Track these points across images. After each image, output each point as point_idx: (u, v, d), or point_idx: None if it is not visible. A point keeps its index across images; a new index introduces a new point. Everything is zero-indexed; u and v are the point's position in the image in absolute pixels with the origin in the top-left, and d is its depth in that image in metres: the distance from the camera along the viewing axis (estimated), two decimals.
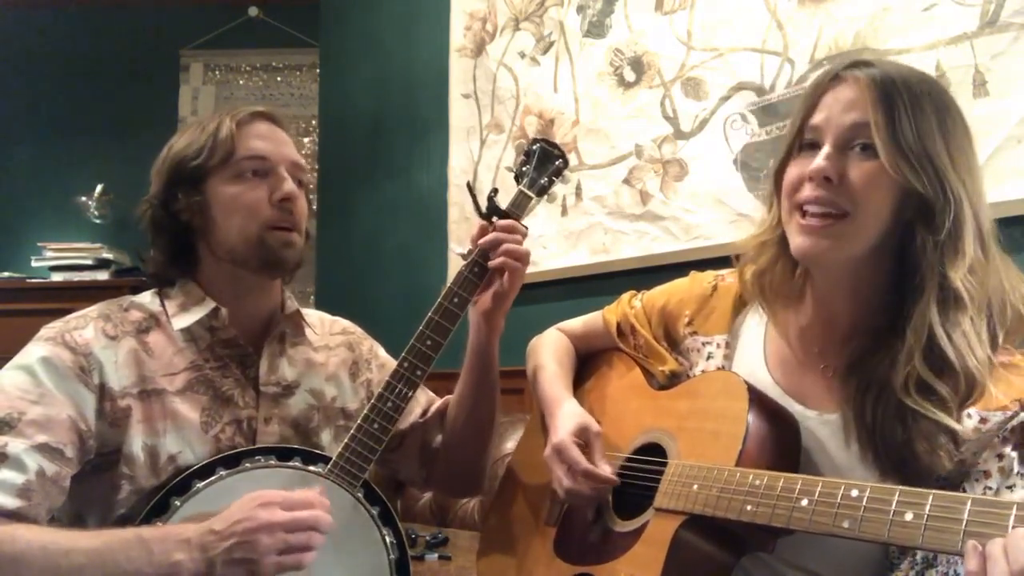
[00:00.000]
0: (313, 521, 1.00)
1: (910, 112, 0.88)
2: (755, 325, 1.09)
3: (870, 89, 0.89)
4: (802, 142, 0.95)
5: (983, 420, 0.85)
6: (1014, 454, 0.83)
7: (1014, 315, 0.90)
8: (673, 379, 1.15)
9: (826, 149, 0.91)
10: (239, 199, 1.15)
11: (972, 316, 0.87)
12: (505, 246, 1.20)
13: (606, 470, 1.08)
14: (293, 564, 0.97)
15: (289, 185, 1.17)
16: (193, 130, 1.20)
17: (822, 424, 0.97)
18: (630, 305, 1.26)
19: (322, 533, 1.00)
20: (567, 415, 1.15)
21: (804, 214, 0.92)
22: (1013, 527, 0.64)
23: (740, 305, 1.12)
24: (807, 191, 0.92)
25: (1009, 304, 0.90)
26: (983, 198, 0.92)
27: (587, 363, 1.33)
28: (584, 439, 1.11)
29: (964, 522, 0.67)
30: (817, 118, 0.93)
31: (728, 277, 1.15)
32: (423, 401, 1.39)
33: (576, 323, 1.36)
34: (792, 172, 0.95)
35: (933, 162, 0.87)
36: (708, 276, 1.19)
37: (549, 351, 1.32)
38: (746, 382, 0.98)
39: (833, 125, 0.91)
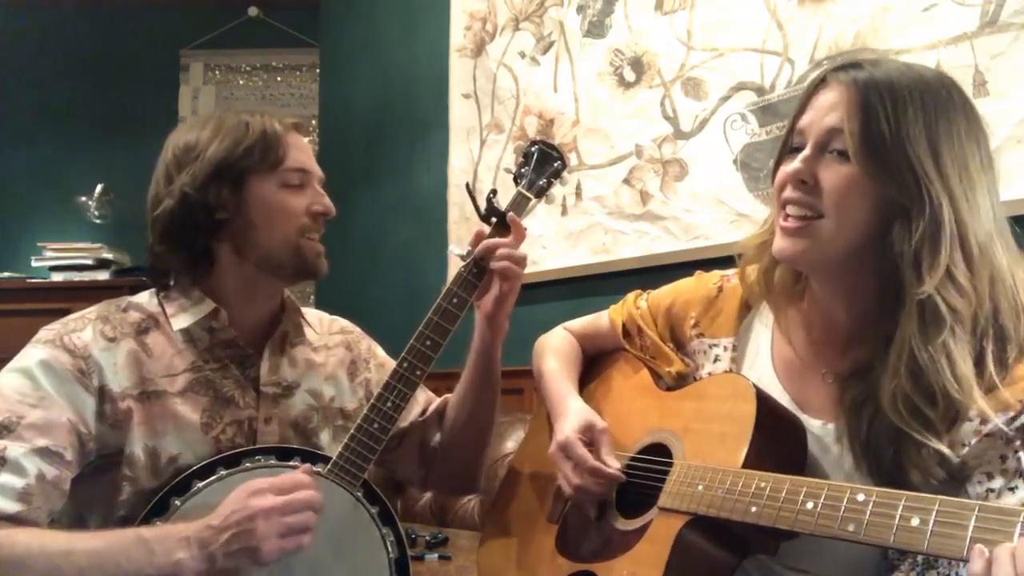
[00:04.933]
0: (308, 501, 1.00)
1: (890, 115, 0.86)
2: (762, 330, 1.09)
3: (850, 93, 0.89)
4: (791, 144, 0.96)
5: (983, 422, 0.84)
6: (1020, 455, 0.82)
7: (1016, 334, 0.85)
8: (680, 380, 1.14)
9: (805, 152, 0.92)
10: (284, 205, 1.17)
11: (954, 330, 0.84)
12: (501, 250, 1.20)
13: (614, 465, 1.07)
14: (294, 546, 0.98)
15: (328, 201, 1.23)
16: (233, 127, 1.16)
17: (826, 433, 0.96)
18: (636, 305, 1.25)
19: (316, 512, 1.01)
20: (573, 413, 1.15)
21: (787, 216, 0.94)
22: (1020, 535, 0.64)
23: (746, 308, 1.11)
24: (787, 192, 0.93)
25: (1012, 322, 0.85)
26: (977, 202, 0.88)
27: (594, 364, 1.33)
28: (590, 436, 1.11)
29: (970, 528, 0.67)
30: (803, 121, 0.94)
31: (733, 278, 1.14)
32: (422, 400, 1.39)
33: (582, 323, 1.36)
34: (780, 173, 0.96)
35: (912, 166, 0.85)
36: (713, 277, 1.18)
37: (555, 350, 1.31)
38: (754, 385, 0.97)
39: (814, 128, 0.92)
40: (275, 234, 1.17)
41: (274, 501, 0.98)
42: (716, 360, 1.11)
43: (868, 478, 0.88)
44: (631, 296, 1.29)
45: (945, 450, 0.82)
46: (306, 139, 1.25)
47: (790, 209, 0.93)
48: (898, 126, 0.86)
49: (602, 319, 1.31)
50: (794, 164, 0.92)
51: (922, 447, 0.83)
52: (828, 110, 0.91)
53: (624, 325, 1.25)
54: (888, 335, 0.89)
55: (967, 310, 0.84)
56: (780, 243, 0.95)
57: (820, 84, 0.94)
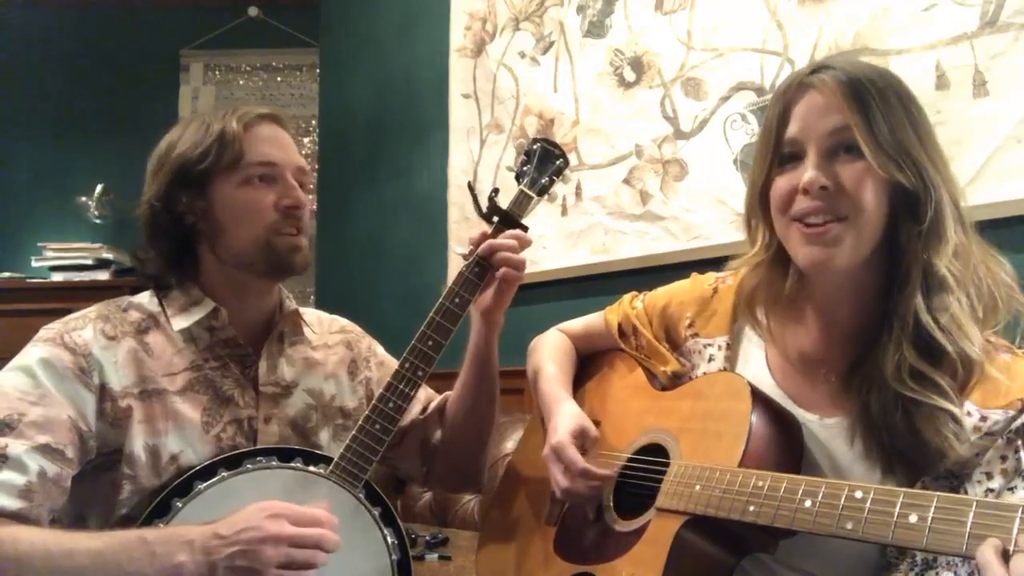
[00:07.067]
0: (319, 539, 0.99)
1: (881, 108, 0.88)
2: (756, 329, 1.09)
3: (841, 90, 0.89)
4: (781, 155, 0.94)
5: (983, 418, 0.85)
6: (1020, 455, 0.83)
7: (990, 298, 0.90)
8: (675, 380, 1.15)
9: (813, 159, 0.90)
10: (248, 205, 1.15)
11: (959, 298, 0.88)
12: (500, 255, 1.20)
13: (601, 472, 1.08)
14: None
15: (298, 193, 1.18)
16: (196, 129, 1.18)
17: (823, 428, 0.97)
18: (632, 306, 1.26)
19: (327, 552, 1.00)
20: (566, 416, 1.15)
21: (807, 225, 0.92)
22: (1018, 530, 0.64)
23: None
24: (802, 203, 0.91)
25: (986, 286, 0.90)
26: (955, 181, 0.93)
27: (589, 363, 1.33)
28: (582, 440, 1.12)
29: (969, 524, 0.67)
30: (793, 129, 0.93)
31: (728, 279, 1.15)
32: (422, 398, 1.39)
33: (577, 323, 1.36)
34: (780, 186, 0.94)
35: (910, 154, 0.88)
36: (709, 278, 1.19)
37: (549, 352, 1.32)
38: (749, 383, 0.98)
39: (813, 133, 0.91)
40: (241, 233, 1.16)
41: (287, 530, 0.97)
42: (711, 359, 1.12)
43: (879, 459, 0.89)
44: (627, 297, 1.29)
45: (955, 409, 0.84)
46: (280, 129, 1.22)
47: (812, 219, 0.91)
48: (889, 116, 0.88)
49: (597, 320, 1.31)
50: (808, 174, 0.90)
51: (935, 409, 0.85)
52: (823, 113, 0.91)
53: (620, 325, 1.26)
54: (884, 320, 0.91)
55: (967, 277, 0.89)
56: (809, 251, 0.91)
57: (799, 90, 0.93)
